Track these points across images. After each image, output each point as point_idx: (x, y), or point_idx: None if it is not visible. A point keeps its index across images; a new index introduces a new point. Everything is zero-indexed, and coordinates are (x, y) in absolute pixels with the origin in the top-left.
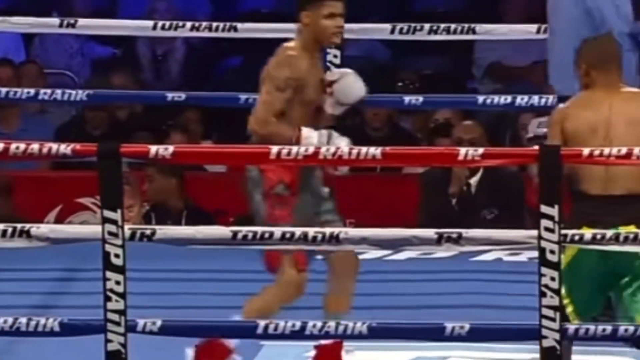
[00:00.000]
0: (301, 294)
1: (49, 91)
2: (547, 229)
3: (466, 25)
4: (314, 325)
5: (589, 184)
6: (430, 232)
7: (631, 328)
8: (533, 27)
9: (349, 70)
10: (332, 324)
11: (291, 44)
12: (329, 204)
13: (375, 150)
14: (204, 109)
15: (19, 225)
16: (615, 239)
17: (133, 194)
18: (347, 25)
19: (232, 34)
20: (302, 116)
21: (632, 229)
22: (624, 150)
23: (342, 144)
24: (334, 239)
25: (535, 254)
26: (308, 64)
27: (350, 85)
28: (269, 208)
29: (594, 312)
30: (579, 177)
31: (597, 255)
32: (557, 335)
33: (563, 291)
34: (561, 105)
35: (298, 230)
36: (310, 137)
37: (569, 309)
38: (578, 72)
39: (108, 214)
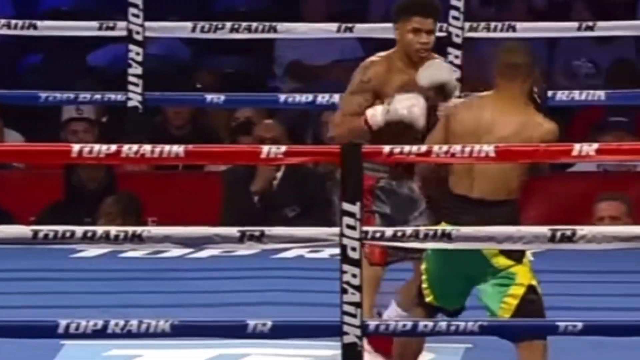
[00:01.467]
0: (375, 288)
1: None
2: (348, 227)
3: (267, 24)
4: (116, 324)
5: (455, 183)
6: (232, 230)
7: (430, 324)
8: (333, 26)
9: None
10: (134, 322)
11: (383, 53)
12: (419, 211)
13: (178, 149)
14: (3, 107)
15: None
16: (415, 236)
17: None
18: (147, 24)
19: (31, 32)
20: None
21: None
22: (423, 148)
23: (399, 106)
24: (137, 237)
25: (337, 250)
26: (386, 71)
27: (431, 70)
28: None
29: (455, 304)
30: (450, 175)
31: (447, 252)
32: (358, 332)
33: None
34: (456, 101)
35: (100, 230)
36: (374, 114)
37: (428, 299)
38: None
39: None
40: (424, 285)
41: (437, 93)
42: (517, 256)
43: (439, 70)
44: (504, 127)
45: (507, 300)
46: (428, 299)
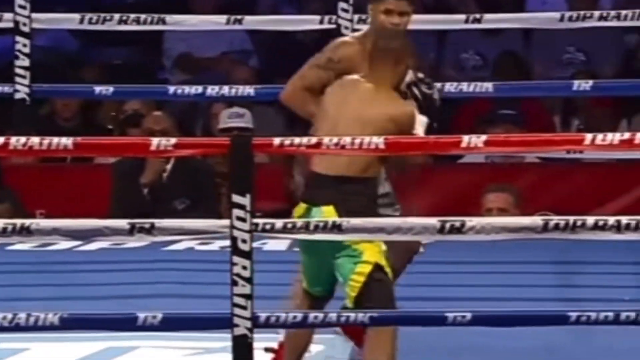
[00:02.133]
0: None
1: None
2: (239, 218)
3: (156, 16)
4: (4, 318)
5: (316, 161)
6: (122, 223)
7: (320, 315)
8: (222, 18)
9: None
10: (22, 315)
11: (357, 34)
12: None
13: (66, 141)
14: None
15: None
16: (305, 227)
17: None
18: (35, 15)
19: None
20: None
21: (330, 209)
22: (313, 140)
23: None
24: (25, 230)
25: (227, 242)
26: (358, 54)
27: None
28: None
29: (320, 288)
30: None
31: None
32: (248, 324)
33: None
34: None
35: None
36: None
37: (304, 284)
38: None
39: None
40: (300, 271)
41: None
42: None
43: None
44: (377, 112)
45: (354, 278)
46: (304, 285)
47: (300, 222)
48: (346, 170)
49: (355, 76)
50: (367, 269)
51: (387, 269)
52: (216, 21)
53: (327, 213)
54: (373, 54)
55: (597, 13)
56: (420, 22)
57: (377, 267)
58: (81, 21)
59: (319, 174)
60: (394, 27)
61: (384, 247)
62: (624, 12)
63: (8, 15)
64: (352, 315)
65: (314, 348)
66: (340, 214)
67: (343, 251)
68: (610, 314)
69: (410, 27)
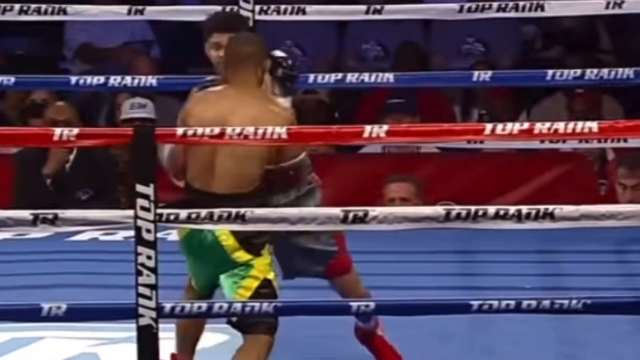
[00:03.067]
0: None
1: None
2: (143, 208)
3: (57, 6)
4: None
5: (193, 177)
6: (25, 214)
7: (225, 305)
8: (124, 8)
9: None
10: None
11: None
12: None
13: None
14: None
15: None
16: (210, 218)
17: None
18: None
19: None
20: None
21: (226, 232)
22: (216, 130)
23: None
24: None
25: (131, 233)
26: None
27: None
28: None
29: (206, 289)
30: (189, 170)
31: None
32: (153, 314)
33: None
34: (186, 105)
35: None
36: None
37: (192, 282)
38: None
39: None
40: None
41: None
42: (256, 250)
43: None
44: (241, 119)
45: (240, 292)
46: (191, 282)
47: (204, 212)
48: (232, 187)
49: (217, 88)
50: (254, 283)
51: (275, 283)
52: (117, 11)
53: (222, 234)
54: (228, 61)
55: (495, 4)
56: (321, 12)
57: (265, 282)
58: None
59: (200, 191)
60: (220, 60)
61: (271, 250)
62: (521, 2)
63: None
64: (257, 305)
65: (219, 338)
66: (236, 236)
67: (229, 267)
68: (512, 302)
69: (312, 17)
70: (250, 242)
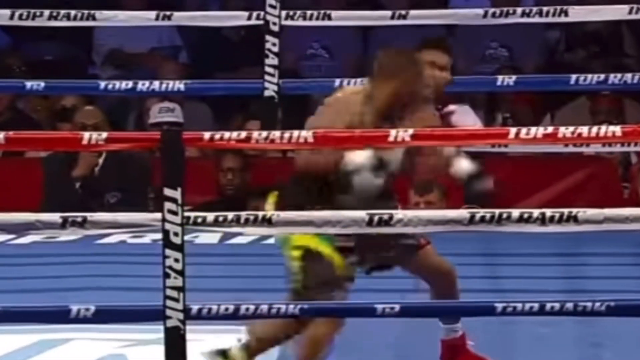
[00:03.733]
0: None
1: None
2: (170, 212)
3: (86, 12)
4: None
5: None
6: (55, 217)
7: (252, 307)
8: (152, 14)
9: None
10: None
11: None
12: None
13: None
14: None
15: None
16: (237, 221)
17: None
18: None
19: None
20: None
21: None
22: (243, 135)
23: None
24: None
25: (159, 235)
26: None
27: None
28: None
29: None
30: None
31: None
32: (181, 315)
33: None
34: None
35: None
36: None
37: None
38: None
39: None
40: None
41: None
42: None
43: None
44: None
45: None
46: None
47: (231, 215)
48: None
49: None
50: (297, 253)
51: (321, 249)
52: (146, 17)
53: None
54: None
55: (519, 9)
56: (346, 18)
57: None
58: (11, 17)
59: None
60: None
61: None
62: (545, 8)
63: None
64: (283, 307)
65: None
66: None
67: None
68: (536, 305)
69: (337, 23)
70: None
